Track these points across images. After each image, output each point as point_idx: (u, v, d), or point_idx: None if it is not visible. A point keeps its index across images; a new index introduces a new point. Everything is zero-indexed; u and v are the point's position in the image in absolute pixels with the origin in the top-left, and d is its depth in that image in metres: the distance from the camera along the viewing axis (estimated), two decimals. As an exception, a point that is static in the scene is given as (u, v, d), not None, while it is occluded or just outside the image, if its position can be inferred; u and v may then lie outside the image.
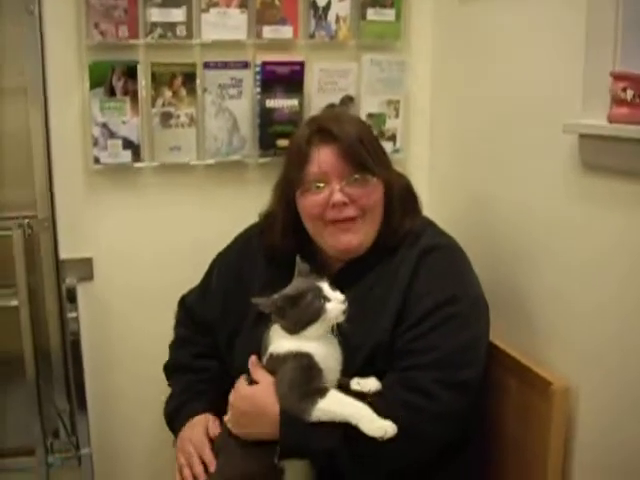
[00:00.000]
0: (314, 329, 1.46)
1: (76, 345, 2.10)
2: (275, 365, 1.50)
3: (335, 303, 1.46)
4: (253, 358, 1.55)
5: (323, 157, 1.56)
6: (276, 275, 1.64)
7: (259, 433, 1.48)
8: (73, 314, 2.08)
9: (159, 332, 1.85)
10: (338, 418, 1.40)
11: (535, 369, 1.67)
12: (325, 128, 1.57)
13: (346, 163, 1.55)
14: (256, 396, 1.50)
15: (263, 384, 1.50)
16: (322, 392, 1.42)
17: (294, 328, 1.48)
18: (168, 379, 1.86)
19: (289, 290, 1.50)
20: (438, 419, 1.46)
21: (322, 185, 1.57)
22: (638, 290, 1.42)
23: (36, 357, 2.04)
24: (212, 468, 1.59)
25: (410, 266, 1.56)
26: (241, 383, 1.56)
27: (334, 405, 1.41)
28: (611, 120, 1.42)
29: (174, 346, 1.89)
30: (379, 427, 1.37)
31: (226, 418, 1.58)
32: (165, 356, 1.87)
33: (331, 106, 1.88)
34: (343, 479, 1.53)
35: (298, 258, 1.54)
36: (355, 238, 1.59)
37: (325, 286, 1.48)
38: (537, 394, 1.64)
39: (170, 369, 1.86)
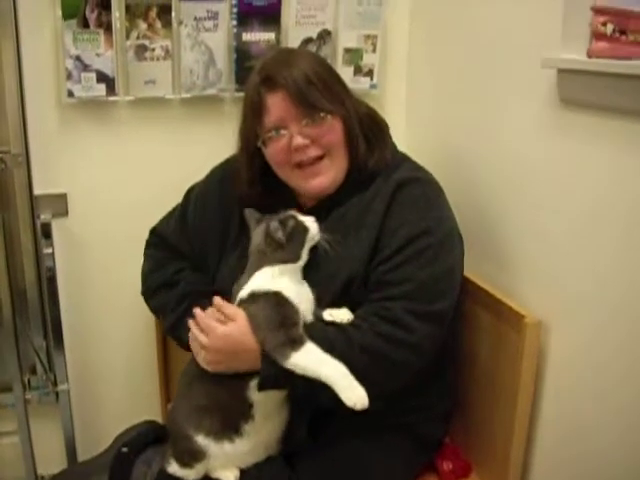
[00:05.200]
0: (304, 253, 1.53)
1: (52, 281, 2.10)
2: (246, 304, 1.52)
3: (311, 222, 1.53)
4: (217, 299, 1.55)
5: (275, 104, 1.54)
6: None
7: (238, 368, 1.50)
8: (48, 250, 2.07)
9: (134, 266, 1.84)
10: (312, 375, 1.41)
11: (508, 302, 1.70)
12: (271, 76, 1.54)
13: (297, 107, 1.53)
14: (234, 334, 1.50)
15: (239, 321, 1.50)
16: (298, 343, 1.43)
17: (295, 253, 1.52)
18: (152, 300, 1.81)
19: (267, 227, 1.53)
20: (410, 348, 1.48)
21: (281, 132, 1.56)
22: (612, 224, 1.44)
23: (12, 294, 2.03)
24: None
25: (385, 199, 1.57)
26: (213, 323, 1.54)
27: (309, 362, 1.42)
28: (590, 55, 1.42)
29: (150, 270, 1.83)
30: (357, 396, 1.38)
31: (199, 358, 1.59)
32: (140, 289, 1.85)
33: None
34: (320, 412, 1.58)
35: (246, 210, 1.60)
36: (325, 178, 1.60)
37: (292, 212, 1.54)
38: (510, 327, 1.67)
39: (152, 290, 1.80)
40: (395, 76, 2.27)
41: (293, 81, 1.52)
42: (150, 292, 1.81)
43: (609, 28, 1.37)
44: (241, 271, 1.59)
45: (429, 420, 1.74)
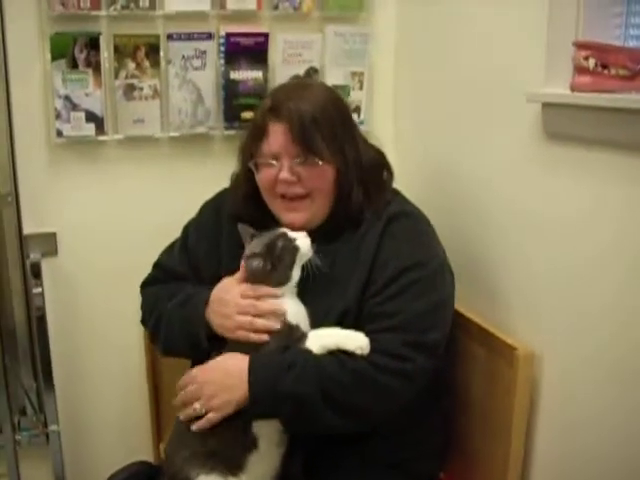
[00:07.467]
0: (295, 273, 1.54)
1: (41, 321, 2.09)
2: None
3: (302, 238, 1.54)
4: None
5: (275, 135, 1.56)
6: (240, 244, 1.64)
7: (230, 397, 1.49)
8: (38, 290, 2.06)
9: (124, 305, 1.84)
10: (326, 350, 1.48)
11: (500, 335, 1.70)
12: (278, 106, 1.56)
13: (295, 144, 1.54)
14: (219, 361, 1.53)
15: (226, 354, 1.54)
16: (303, 339, 1.50)
17: (285, 275, 1.53)
18: (154, 311, 1.74)
19: (255, 248, 1.53)
20: (403, 377, 1.48)
21: (273, 162, 1.58)
22: (601, 255, 1.45)
23: (1, 334, 2.02)
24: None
25: (376, 233, 1.58)
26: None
27: (317, 343, 1.49)
28: (574, 89, 1.44)
29: (153, 293, 1.79)
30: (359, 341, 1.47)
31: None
32: (131, 329, 1.83)
33: (296, 77, 1.85)
34: (315, 450, 1.57)
35: (240, 226, 1.60)
36: (300, 217, 1.61)
37: (284, 229, 1.55)
38: (502, 360, 1.67)
39: (153, 304, 1.75)
40: (382, 112, 2.29)
41: (298, 117, 1.53)
42: (151, 306, 1.76)
43: (591, 62, 1.40)
44: None
45: (423, 456, 1.72)
